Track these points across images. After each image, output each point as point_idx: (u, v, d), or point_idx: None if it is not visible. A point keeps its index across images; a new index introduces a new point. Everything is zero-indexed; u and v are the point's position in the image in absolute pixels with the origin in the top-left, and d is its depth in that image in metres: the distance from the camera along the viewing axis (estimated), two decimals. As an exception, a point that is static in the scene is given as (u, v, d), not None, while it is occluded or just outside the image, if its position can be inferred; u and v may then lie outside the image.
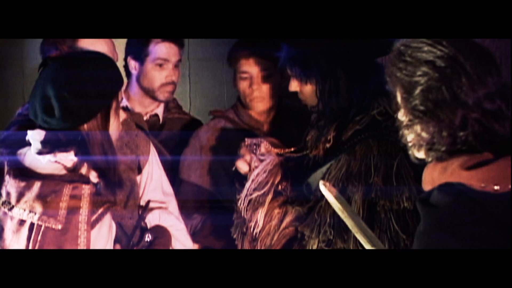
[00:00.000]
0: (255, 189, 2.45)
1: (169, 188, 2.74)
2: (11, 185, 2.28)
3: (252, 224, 2.43)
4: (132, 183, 2.57)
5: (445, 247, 1.63)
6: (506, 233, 1.62)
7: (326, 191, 1.91)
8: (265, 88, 3.02)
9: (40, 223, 2.23)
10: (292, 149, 2.55)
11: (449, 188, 1.69)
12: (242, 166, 2.54)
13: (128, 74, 3.32)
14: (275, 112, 3.09)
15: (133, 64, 3.28)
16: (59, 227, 2.23)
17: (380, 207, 2.27)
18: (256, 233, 2.43)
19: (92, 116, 2.21)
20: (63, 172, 2.28)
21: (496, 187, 1.67)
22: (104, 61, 2.29)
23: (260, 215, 2.42)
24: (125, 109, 3.07)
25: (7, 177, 2.30)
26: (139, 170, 2.64)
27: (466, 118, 1.71)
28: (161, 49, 3.24)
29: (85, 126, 2.20)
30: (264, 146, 2.54)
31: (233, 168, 2.56)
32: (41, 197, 2.23)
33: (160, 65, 3.24)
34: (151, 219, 2.57)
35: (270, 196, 2.45)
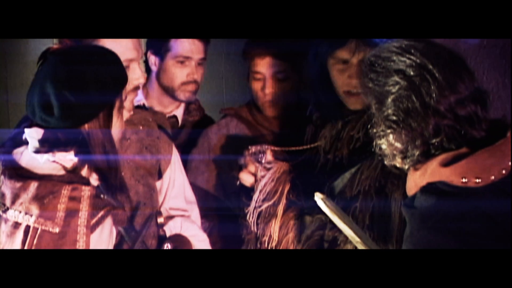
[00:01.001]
0: (264, 200, 2.33)
1: (191, 196, 2.64)
2: (6, 186, 2.19)
3: (266, 238, 2.31)
4: (151, 188, 2.48)
5: (431, 246, 1.65)
6: (493, 225, 1.64)
7: (321, 202, 1.90)
8: (278, 92, 2.84)
9: (36, 225, 2.12)
10: (302, 147, 2.40)
11: (430, 188, 1.70)
12: (246, 178, 2.40)
13: (148, 70, 3.14)
14: (288, 118, 2.90)
15: (153, 60, 3.11)
16: (57, 230, 2.12)
17: None
18: (272, 248, 2.30)
19: (93, 115, 2.11)
20: (62, 172, 2.18)
21: (477, 180, 1.67)
22: (108, 57, 2.17)
23: (274, 228, 2.29)
24: (142, 107, 2.93)
25: (1, 178, 2.21)
26: (160, 175, 2.53)
27: (438, 125, 1.71)
28: (183, 45, 3.06)
29: (86, 125, 2.10)
30: (270, 153, 2.39)
31: (238, 182, 2.41)
32: (37, 198, 2.13)
33: (182, 62, 3.07)
34: (172, 227, 2.48)
35: (281, 206, 2.32)
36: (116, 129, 2.18)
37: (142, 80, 2.42)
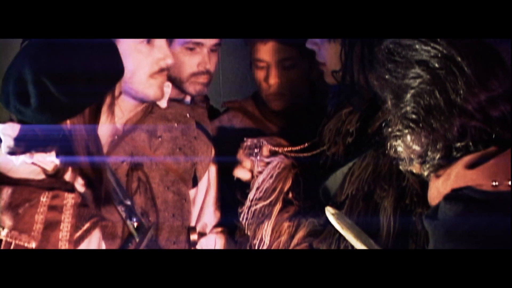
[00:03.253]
0: (260, 199, 2.12)
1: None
2: (-26, 192, 1.97)
3: (257, 242, 2.11)
4: (182, 197, 2.30)
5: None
6: None
7: (333, 219, 1.77)
8: (284, 83, 2.55)
9: (9, 240, 1.90)
10: (306, 145, 2.17)
11: (456, 195, 1.56)
12: (242, 174, 2.18)
13: None
14: (298, 111, 2.64)
15: None
16: (33, 245, 1.90)
17: (417, 216, 1.91)
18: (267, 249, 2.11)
19: (77, 110, 1.93)
20: (41, 176, 1.96)
21: (510, 183, 1.53)
22: (103, 43, 1.99)
23: (266, 230, 2.08)
24: (180, 100, 2.65)
25: (-31, 183, 2.00)
26: (195, 183, 2.34)
27: (464, 127, 1.57)
28: None
29: (68, 121, 1.92)
30: (267, 147, 2.17)
31: (235, 178, 2.20)
32: (11, 207, 1.92)
33: (191, 49, 2.59)
34: (204, 246, 2.33)
35: (278, 207, 2.11)
36: (104, 129, 2.00)
37: (169, 61, 2.21)
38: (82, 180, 2.00)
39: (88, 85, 1.91)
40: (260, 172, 2.14)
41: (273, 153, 2.17)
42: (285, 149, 2.17)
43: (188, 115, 2.38)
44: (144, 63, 2.20)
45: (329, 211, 1.79)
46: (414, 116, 1.60)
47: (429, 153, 1.60)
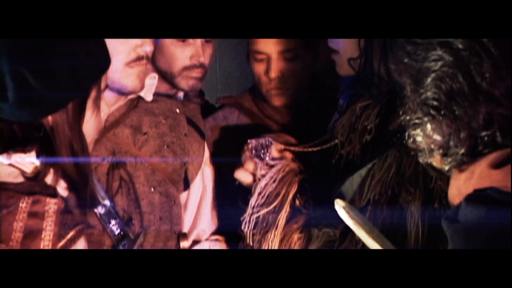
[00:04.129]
0: (262, 205, 1.97)
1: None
2: None
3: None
4: (171, 199, 2.18)
5: None
6: None
7: (343, 212, 1.68)
8: (287, 76, 2.41)
9: None
10: (317, 142, 2.03)
11: (478, 196, 1.47)
12: (243, 177, 2.04)
13: None
14: (301, 107, 2.50)
15: None
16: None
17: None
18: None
19: (59, 105, 1.77)
20: (20, 179, 1.81)
21: None
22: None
23: (273, 241, 1.95)
24: (172, 95, 2.50)
25: None
26: (186, 185, 2.22)
27: (491, 115, 1.47)
28: None
29: (50, 118, 1.77)
30: (276, 146, 2.03)
31: (236, 182, 2.06)
32: None
33: (183, 41, 2.45)
34: None
35: (284, 214, 1.95)
36: (90, 125, 1.85)
37: (148, 48, 2.07)
38: (65, 183, 1.84)
39: (72, 77, 1.76)
40: (263, 176, 1.99)
41: (281, 154, 2.03)
42: (295, 148, 2.03)
43: (178, 110, 2.24)
44: (120, 49, 2.06)
45: (339, 204, 1.68)
46: (435, 103, 1.51)
47: (451, 143, 1.51)
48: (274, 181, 1.98)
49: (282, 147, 2.03)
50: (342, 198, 1.89)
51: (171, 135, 2.21)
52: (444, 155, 1.53)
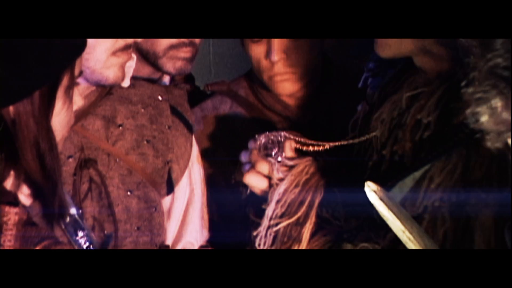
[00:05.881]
0: (282, 215, 1.78)
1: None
2: None
3: None
4: (151, 205, 2.02)
5: None
6: None
7: (374, 196, 1.51)
8: (293, 58, 2.18)
9: None
10: (345, 142, 1.84)
11: None
12: (255, 182, 1.84)
13: None
14: (313, 92, 2.26)
15: None
16: None
17: None
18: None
19: (24, 94, 1.61)
20: None
21: None
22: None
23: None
24: (152, 79, 2.33)
25: None
26: (169, 189, 2.06)
27: None
28: None
29: (11, 109, 1.60)
30: (291, 143, 1.83)
31: (247, 191, 1.85)
32: None
33: None
34: None
35: (309, 227, 1.77)
36: (60, 121, 1.69)
37: None
38: (29, 189, 1.67)
39: (39, 61, 1.59)
40: (281, 179, 1.79)
41: (297, 152, 1.83)
42: (316, 148, 1.83)
43: (160, 97, 2.05)
44: None
45: (370, 187, 1.52)
46: (505, 73, 1.40)
47: None
48: (296, 186, 1.78)
49: (300, 147, 1.83)
50: None
51: (151, 127, 2.05)
52: None
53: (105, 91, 2.03)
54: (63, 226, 1.89)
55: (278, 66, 2.20)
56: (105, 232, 1.98)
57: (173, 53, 2.24)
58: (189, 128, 2.10)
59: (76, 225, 1.92)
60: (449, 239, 1.64)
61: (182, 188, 2.10)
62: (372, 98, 1.84)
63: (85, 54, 1.78)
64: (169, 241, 2.10)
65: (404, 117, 1.74)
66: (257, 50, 2.21)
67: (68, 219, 1.91)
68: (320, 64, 2.31)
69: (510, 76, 1.41)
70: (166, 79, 2.38)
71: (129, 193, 2.01)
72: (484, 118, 1.44)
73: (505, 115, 1.42)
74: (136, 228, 2.01)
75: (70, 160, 1.96)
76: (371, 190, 1.52)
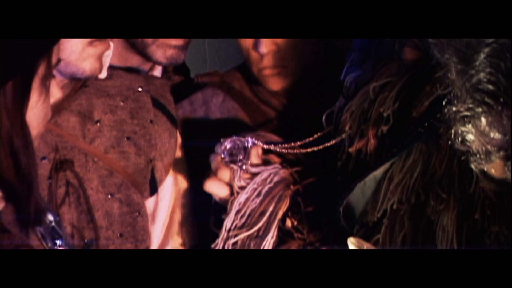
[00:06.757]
0: (242, 227, 1.74)
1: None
2: None
3: None
4: (135, 209, 1.96)
5: None
6: None
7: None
8: (285, 49, 2.08)
9: None
10: (314, 137, 1.77)
11: None
12: (216, 189, 1.78)
13: None
14: (306, 90, 2.15)
15: None
16: None
17: (492, 238, 1.53)
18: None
19: None
20: None
21: None
22: None
23: None
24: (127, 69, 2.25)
25: None
26: (153, 189, 2.00)
27: None
28: None
29: None
30: (258, 149, 1.77)
31: (213, 199, 1.81)
32: None
33: None
34: None
35: (271, 240, 1.73)
36: (36, 115, 1.61)
37: None
38: (1, 191, 1.57)
39: (11, 47, 1.51)
40: (243, 188, 1.72)
41: (266, 159, 1.76)
42: (285, 149, 1.76)
43: (140, 89, 1.97)
44: None
45: (352, 243, 1.49)
46: (490, 87, 1.38)
47: None
48: (258, 195, 1.72)
49: (268, 147, 1.76)
50: (350, 211, 1.66)
51: (132, 122, 1.99)
52: (508, 159, 1.40)
53: (79, 83, 1.96)
54: (39, 234, 1.80)
55: (268, 58, 2.09)
56: (85, 240, 1.93)
57: (164, 40, 2.16)
58: (173, 122, 2.04)
59: (54, 233, 1.84)
60: (408, 243, 1.59)
61: (167, 189, 2.05)
62: (348, 90, 1.77)
63: (59, 45, 1.68)
64: (154, 246, 2.04)
65: (370, 110, 1.68)
66: (246, 40, 2.10)
67: (44, 225, 1.83)
68: (321, 61, 2.20)
69: (496, 90, 1.38)
70: (158, 70, 2.29)
71: (109, 196, 1.98)
72: (470, 138, 1.42)
73: (494, 133, 1.39)
74: (118, 235, 1.97)
75: (44, 161, 1.91)
76: (355, 247, 1.51)
